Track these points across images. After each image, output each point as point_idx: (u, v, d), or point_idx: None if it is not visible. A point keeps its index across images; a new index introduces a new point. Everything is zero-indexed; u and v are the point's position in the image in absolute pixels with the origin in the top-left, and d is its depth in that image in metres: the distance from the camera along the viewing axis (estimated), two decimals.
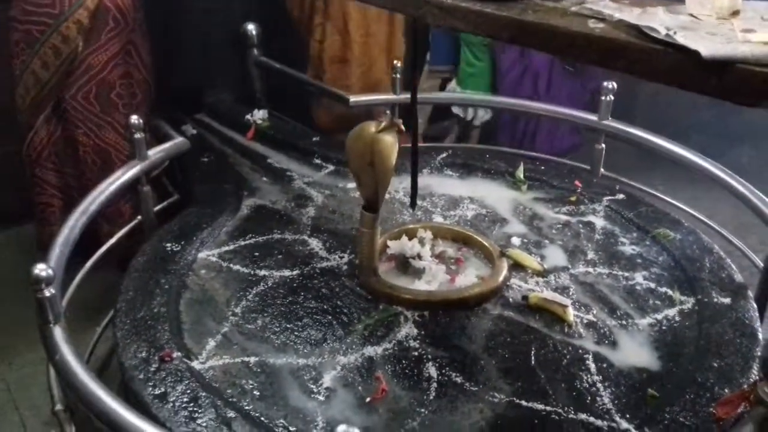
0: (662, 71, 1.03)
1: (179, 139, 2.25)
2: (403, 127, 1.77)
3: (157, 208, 2.32)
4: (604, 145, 2.46)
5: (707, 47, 0.96)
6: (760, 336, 1.69)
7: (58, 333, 1.46)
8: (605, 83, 2.37)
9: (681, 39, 0.99)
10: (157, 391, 1.52)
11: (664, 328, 1.75)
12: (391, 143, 1.73)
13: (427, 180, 2.47)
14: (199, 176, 2.51)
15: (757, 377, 1.46)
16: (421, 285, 1.89)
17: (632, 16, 1.12)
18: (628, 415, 1.48)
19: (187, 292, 1.89)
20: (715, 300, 1.81)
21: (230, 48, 3.07)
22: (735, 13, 1.14)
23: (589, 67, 3.00)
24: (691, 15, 1.14)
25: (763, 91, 0.93)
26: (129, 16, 2.49)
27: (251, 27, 2.98)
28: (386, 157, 1.73)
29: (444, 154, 2.63)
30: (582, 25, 1.12)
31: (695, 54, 0.96)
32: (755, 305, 1.80)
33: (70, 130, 2.50)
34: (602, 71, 3.09)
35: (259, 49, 3.03)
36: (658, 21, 1.07)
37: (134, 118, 2.08)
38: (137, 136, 2.09)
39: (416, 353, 1.67)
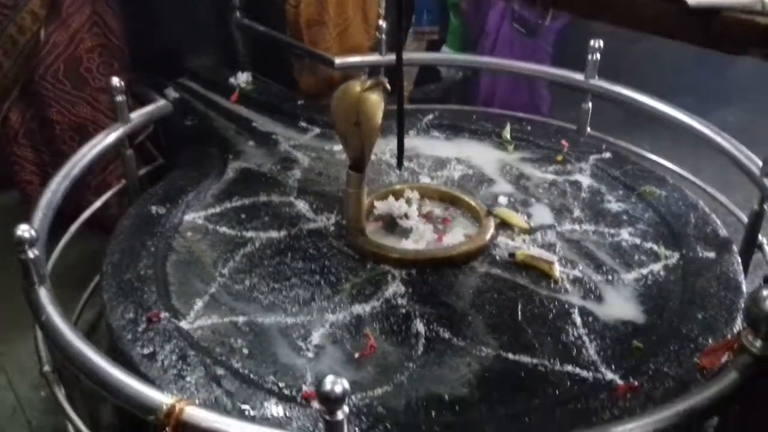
0: (649, 20, 1.02)
1: (161, 102, 2.22)
2: (388, 86, 1.75)
3: (142, 171, 2.29)
4: (590, 104, 2.45)
5: None
6: (744, 289, 1.71)
7: (44, 294, 1.45)
8: (592, 42, 2.36)
9: None
10: (145, 351, 1.52)
11: (649, 282, 1.77)
12: (376, 102, 1.71)
13: (413, 141, 2.46)
14: (183, 140, 2.49)
15: (742, 327, 1.48)
16: (408, 244, 1.89)
17: None
18: (613, 366, 1.50)
19: (173, 254, 1.88)
20: (700, 254, 1.82)
21: (212, 11, 3.02)
22: None
23: (544, 28, 2.97)
24: None
25: (749, 38, 0.93)
26: None
27: None
28: (372, 117, 1.71)
29: (431, 116, 2.61)
30: None
31: (682, 2, 0.95)
32: (739, 259, 1.82)
33: (43, 110, 2.45)
34: (560, 31, 3.07)
35: (242, 12, 2.98)
36: None
37: (115, 80, 2.05)
38: (118, 98, 2.06)
39: (404, 310, 1.68)
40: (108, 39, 2.49)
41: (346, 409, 1.05)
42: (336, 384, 1.02)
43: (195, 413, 1.15)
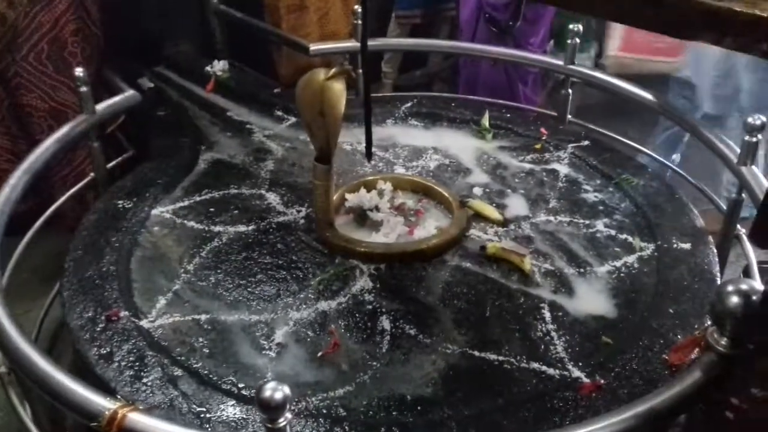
0: (598, 5, 0.97)
1: (129, 93, 2.17)
2: (353, 74, 1.70)
3: (110, 164, 2.25)
4: (570, 91, 2.40)
5: None
6: (718, 281, 1.67)
7: None
8: (571, 26, 2.30)
9: None
10: (102, 351, 1.49)
11: (622, 275, 1.73)
12: (339, 90, 1.66)
13: (390, 130, 2.41)
14: (155, 131, 2.44)
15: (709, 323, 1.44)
16: (378, 237, 1.85)
17: None
18: (580, 363, 1.47)
19: (138, 249, 1.84)
20: (675, 246, 1.78)
21: None
22: None
23: (519, 30, 2.88)
24: None
25: (701, 22, 0.88)
26: None
27: None
28: (335, 105, 1.66)
29: (409, 104, 2.56)
30: None
31: None
32: (714, 250, 1.77)
33: (20, 96, 2.37)
34: (532, 31, 2.99)
35: None
36: None
37: (79, 71, 1.99)
38: (83, 89, 2.01)
39: (370, 306, 1.64)
40: (87, 25, 2.42)
41: (288, 415, 1.01)
42: (276, 390, 0.99)
43: (138, 419, 1.12)
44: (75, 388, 1.17)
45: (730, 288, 1.14)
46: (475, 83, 3.03)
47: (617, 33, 1.74)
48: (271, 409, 0.99)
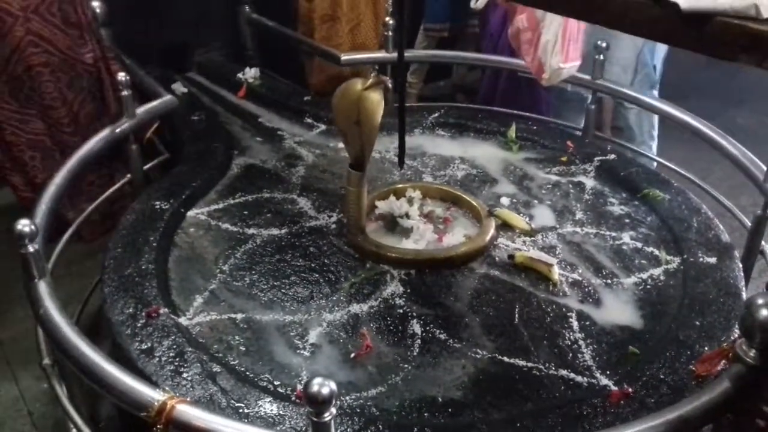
0: (643, 24, 1.01)
1: (167, 97, 2.23)
2: (390, 85, 1.75)
3: (147, 166, 2.31)
4: (593, 106, 2.43)
5: (687, 0, 0.94)
6: (744, 295, 1.70)
7: (43, 288, 1.47)
8: (599, 42, 2.34)
9: None
10: (143, 346, 1.53)
11: (648, 287, 1.76)
12: (377, 101, 1.71)
13: (418, 140, 2.46)
14: (189, 135, 2.50)
15: (738, 335, 1.47)
16: (408, 244, 1.90)
17: None
18: (608, 372, 1.50)
19: (175, 249, 1.90)
20: (701, 260, 1.81)
21: (222, 5, 3.03)
22: None
23: None
24: None
25: (741, 44, 0.92)
26: (14, 8, 2.12)
27: None
28: (372, 115, 1.71)
29: (436, 114, 2.61)
30: None
31: (675, 6, 0.94)
32: (740, 265, 1.80)
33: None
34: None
35: (251, 6, 2.98)
36: None
37: (121, 75, 2.06)
38: (124, 93, 2.07)
39: (401, 311, 1.68)
40: (51, 54, 2.22)
41: (333, 410, 1.05)
42: (323, 386, 1.03)
43: (186, 411, 1.16)
44: (126, 380, 1.22)
45: (760, 301, 1.17)
46: (493, 95, 3.08)
47: (557, 48, 1.82)
48: (318, 404, 1.03)
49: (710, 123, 2.14)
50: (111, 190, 2.21)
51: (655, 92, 2.90)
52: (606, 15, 1.05)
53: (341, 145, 2.38)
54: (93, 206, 2.10)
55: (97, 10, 2.52)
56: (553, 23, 1.85)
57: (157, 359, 1.50)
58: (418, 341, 1.60)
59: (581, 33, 1.91)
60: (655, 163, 2.66)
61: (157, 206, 2.03)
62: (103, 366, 1.26)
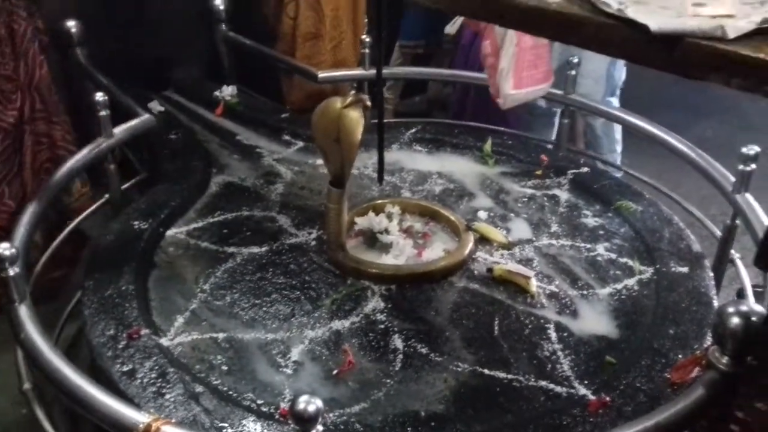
0: (615, 45, 1.05)
1: (145, 116, 2.23)
2: (368, 103, 1.78)
3: (124, 186, 2.30)
4: (566, 120, 2.49)
5: (657, 21, 0.98)
6: (715, 303, 1.75)
7: (23, 312, 1.46)
8: (570, 57, 2.39)
9: (631, 13, 1.01)
10: (125, 368, 1.53)
11: (623, 297, 1.80)
12: (356, 119, 1.74)
13: (396, 155, 2.48)
14: (167, 154, 2.50)
15: (710, 343, 1.51)
16: (388, 259, 1.92)
17: None
18: (586, 382, 1.53)
19: (155, 269, 1.90)
20: (673, 269, 1.86)
21: (197, 23, 3.04)
22: None
23: None
24: None
25: (710, 64, 0.95)
26: None
27: (218, 2, 2.93)
28: (351, 133, 1.74)
29: (413, 130, 2.64)
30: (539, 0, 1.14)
31: (645, 28, 0.98)
32: (711, 274, 1.85)
33: None
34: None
35: (227, 25, 2.99)
36: None
37: (99, 95, 2.06)
38: (102, 113, 2.07)
39: (383, 326, 1.70)
40: None
41: (320, 428, 1.07)
42: (309, 403, 1.05)
43: None
44: (111, 403, 1.22)
45: (731, 309, 1.22)
46: (464, 110, 3.14)
47: (510, 75, 1.91)
48: (304, 421, 1.05)
49: (682, 135, 2.21)
50: (87, 211, 2.20)
51: (616, 99, 2.99)
52: (579, 36, 1.08)
53: (320, 161, 2.40)
54: (69, 229, 2.08)
55: (72, 30, 2.55)
56: (508, 51, 1.92)
57: (139, 381, 1.50)
58: (400, 356, 1.62)
59: (543, 60, 1.97)
60: (619, 173, 2.72)
61: (136, 226, 2.02)
62: (88, 389, 1.26)
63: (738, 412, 1.09)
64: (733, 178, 1.91)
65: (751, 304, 1.22)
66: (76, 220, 2.14)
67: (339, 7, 3.02)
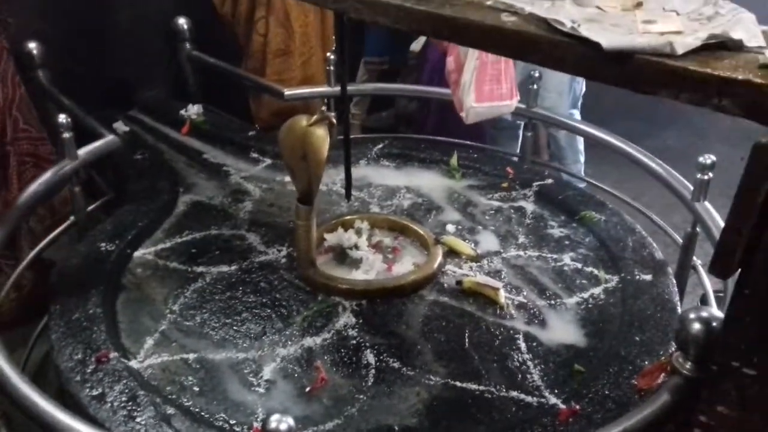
0: (569, 62, 1.08)
1: (110, 137, 2.21)
2: (334, 120, 1.79)
3: (90, 207, 2.28)
4: (530, 133, 2.54)
5: (608, 39, 1.02)
6: (679, 310, 1.79)
7: None
8: (531, 71, 2.44)
9: (584, 32, 1.04)
10: (94, 392, 1.51)
11: (590, 305, 1.83)
12: (322, 136, 1.75)
13: (364, 171, 2.50)
14: (133, 174, 2.48)
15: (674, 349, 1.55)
16: (358, 275, 1.93)
17: (541, 9, 1.16)
18: (556, 390, 1.56)
19: (123, 291, 1.88)
20: (638, 277, 1.90)
21: (162, 43, 3.03)
22: (639, 5, 1.19)
23: None
24: (598, 7, 1.20)
25: (660, 80, 0.99)
26: None
27: (182, 21, 2.93)
28: (318, 150, 1.75)
29: (380, 145, 2.66)
30: (496, 19, 1.16)
31: (597, 45, 1.01)
32: (674, 281, 1.90)
33: None
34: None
35: (192, 44, 2.99)
36: (565, 14, 1.12)
37: (62, 117, 2.04)
38: (65, 135, 2.05)
39: (354, 341, 1.71)
40: None
41: None
42: (281, 422, 1.05)
43: None
44: (80, 428, 1.21)
45: (692, 315, 1.25)
46: (446, 127, 3.17)
47: (472, 88, 1.96)
48: None
49: (642, 145, 2.27)
50: (55, 233, 2.17)
51: (577, 111, 3.07)
52: (536, 54, 1.12)
53: (288, 178, 2.40)
54: (37, 250, 2.05)
55: (34, 52, 2.52)
56: (470, 65, 1.96)
57: (109, 405, 1.48)
58: (373, 371, 1.62)
59: (507, 76, 2.01)
60: (583, 184, 2.78)
61: (103, 248, 2.00)
62: (57, 415, 1.24)
63: (701, 417, 1.12)
64: (691, 186, 1.97)
65: (712, 310, 1.26)
66: (45, 241, 2.10)
67: (308, 24, 3.05)
